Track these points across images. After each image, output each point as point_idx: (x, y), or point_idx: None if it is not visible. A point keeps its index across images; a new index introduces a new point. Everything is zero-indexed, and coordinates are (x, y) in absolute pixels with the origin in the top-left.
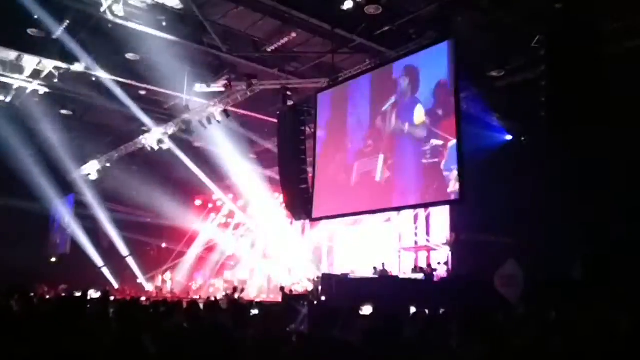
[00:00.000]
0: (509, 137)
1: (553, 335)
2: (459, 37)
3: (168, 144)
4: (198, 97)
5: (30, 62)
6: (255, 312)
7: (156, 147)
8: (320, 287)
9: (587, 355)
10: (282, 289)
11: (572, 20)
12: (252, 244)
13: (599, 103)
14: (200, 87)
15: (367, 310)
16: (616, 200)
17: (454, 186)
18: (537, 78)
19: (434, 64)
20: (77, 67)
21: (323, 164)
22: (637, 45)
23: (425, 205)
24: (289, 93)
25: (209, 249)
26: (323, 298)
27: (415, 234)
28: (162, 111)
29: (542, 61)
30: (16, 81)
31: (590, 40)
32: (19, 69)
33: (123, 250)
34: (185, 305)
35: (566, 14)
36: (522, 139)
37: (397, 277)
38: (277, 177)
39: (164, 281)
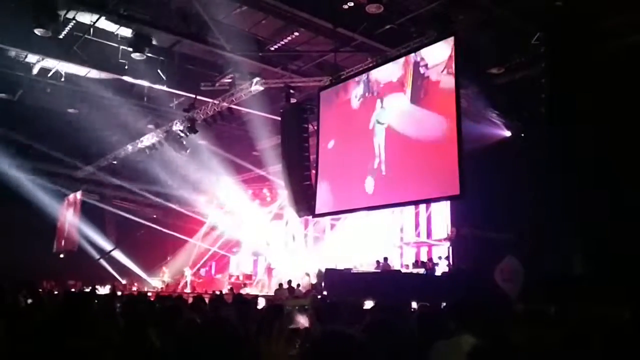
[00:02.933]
0: (508, 134)
1: (553, 330)
2: (460, 34)
3: (173, 142)
4: (203, 96)
5: (37, 61)
6: (262, 304)
7: (163, 144)
8: (323, 282)
9: (587, 351)
10: (289, 282)
11: (572, 18)
12: (256, 239)
13: (599, 100)
14: (204, 86)
15: (369, 304)
16: (615, 197)
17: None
18: (537, 75)
19: (434, 61)
20: (84, 66)
21: (325, 160)
22: (637, 42)
23: (426, 201)
24: (292, 91)
25: (213, 244)
26: (325, 292)
27: (417, 229)
28: (167, 109)
29: (542, 58)
30: (24, 80)
31: (590, 38)
32: (27, 68)
33: (129, 245)
34: (191, 300)
35: (566, 11)
36: (522, 135)
37: (399, 271)
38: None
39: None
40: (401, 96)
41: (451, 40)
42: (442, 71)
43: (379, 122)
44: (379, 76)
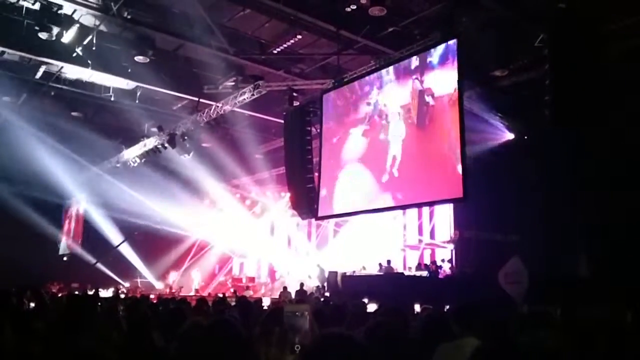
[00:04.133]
0: (512, 136)
1: (558, 333)
2: (463, 37)
3: (176, 145)
4: (206, 99)
5: (41, 64)
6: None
7: (166, 147)
8: (324, 282)
9: (591, 353)
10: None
11: (576, 19)
12: (258, 241)
13: (603, 102)
14: (208, 89)
15: (373, 307)
16: (620, 199)
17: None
18: (541, 77)
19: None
20: (87, 70)
21: (328, 163)
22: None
23: (430, 204)
24: (295, 94)
25: (217, 246)
26: (327, 294)
27: (420, 232)
28: (171, 112)
29: (545, 60)
30: (28, 83)
31: (594, 39)
32: (31, 72)
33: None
34: (194, 302)
35: (569, 13)
36: (525, 137)
37: (402, 274)
38: (283, 177)
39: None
40: (404, 100)
41: (455, 42)
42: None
43: (385, 135)
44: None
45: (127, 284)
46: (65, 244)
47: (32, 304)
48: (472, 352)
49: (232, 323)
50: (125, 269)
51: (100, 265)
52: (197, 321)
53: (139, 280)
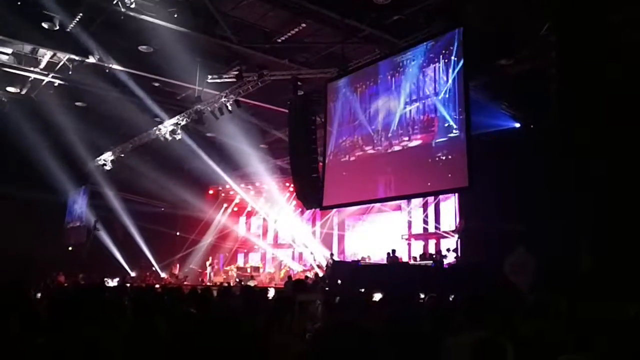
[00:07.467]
0: (518, 125)
1: (562, 324)
2: (468, 25)
3: (181, 135)
4: (210, 88)
5: (44, 54)
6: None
7: (169, 138)
8: (331, 274)
9: (597, 345)
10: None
11: (582, 7)
12: (263, 232)
13: (609, 93)
14: (212, 78)
15: (378, 297)
16: (625, 192)
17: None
18: (547, 66)
19: (442, 52)
20: (91, 60)
21: (333, 152)
22: None
23: (435, 193)
24: (299, 83)
25: (222, 237)
26: (339, 281)
27: (425, 221)
28: (174, 102)
29: (551, 49)
30: (31, 74)
31: (600, 28)
32: (34, 62)
33: (139, 239)
34: (199, 292)
35: (576, 0)
36: (532, 126)
37: (407, 263)
38: (288, 167)
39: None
40: (410, 88)
41: (460, 31)
42: (450, 63)
43: (389, 113)
44: (388, 69)
45: (133, 274)
46: (70, 234)
47: (39, 295)
48: (473, 342)
49: (236, 313)
50: (132, 258)
51: (99, 232)
52: (201, 311)
53: (145, 269)
